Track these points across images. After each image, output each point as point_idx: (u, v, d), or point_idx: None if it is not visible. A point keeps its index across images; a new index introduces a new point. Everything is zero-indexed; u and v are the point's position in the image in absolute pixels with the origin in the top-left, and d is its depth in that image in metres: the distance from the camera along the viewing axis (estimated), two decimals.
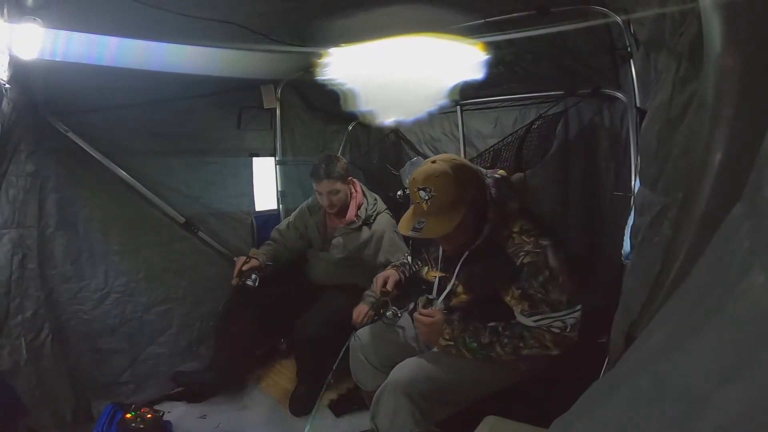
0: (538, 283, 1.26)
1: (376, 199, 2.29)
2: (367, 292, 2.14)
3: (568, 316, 1.26)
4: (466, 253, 1.39)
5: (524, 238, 1.32)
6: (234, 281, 2.09)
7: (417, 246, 1.74)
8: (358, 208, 2.20)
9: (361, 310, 2.07)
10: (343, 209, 2.19)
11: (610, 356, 1.09)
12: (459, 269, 1.41)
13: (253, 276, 2.09)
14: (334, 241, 2.23)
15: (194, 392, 2.15)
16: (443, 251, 1.51)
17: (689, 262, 0.63)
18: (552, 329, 1.27)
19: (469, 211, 1.29)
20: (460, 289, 1.44)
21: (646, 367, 0.48)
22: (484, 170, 1.42)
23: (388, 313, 1.61)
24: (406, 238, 2.18)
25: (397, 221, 2.56)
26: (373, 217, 2.20)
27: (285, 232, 2.39)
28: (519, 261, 1.29)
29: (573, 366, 1.33)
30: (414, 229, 1.30)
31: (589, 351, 1.32)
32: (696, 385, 0.33)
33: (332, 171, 2.10)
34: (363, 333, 1.73)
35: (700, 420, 0.30)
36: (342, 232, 2.21)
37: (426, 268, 1.64)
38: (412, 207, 1.39)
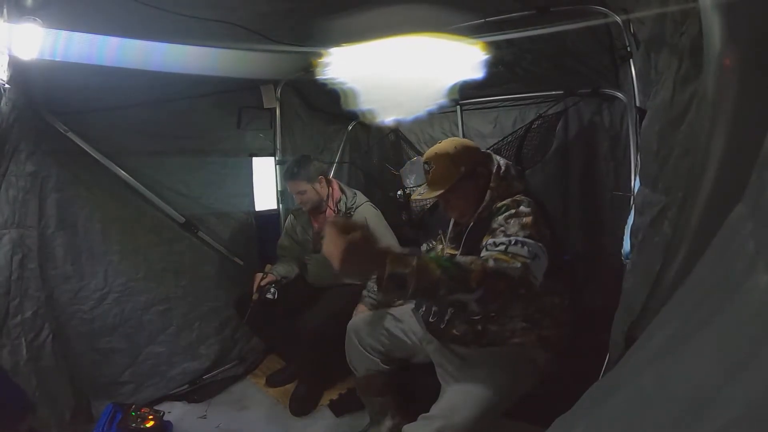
0: (502, 217, 1.31)
1: (355, 194, 2.35)
2: (365, 293, 2.15)
3: (521, 246, 1.17)
4: (471, 224, 1.46)
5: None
6: (254, 296, 2.16)
7: (434, 226, 1.83)
8: (337, 203, 2.27)
9: (359, 310, 2.08)
10: (319, 207, 2.27)
11: (611, 356, 1.09)
12: (464, 241, 1.46)
13: (272, 289, 2.17)
14: (323, 240, 2.26)
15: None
16: (452, 228, 1.61)
17: (689, 262, 0.63)
18: (504, 255, 1.15)
19: (469, 180, 1.45)
20: None
21: (647, 367, 0.48)
22: (499, 157, 1.54)
23: None
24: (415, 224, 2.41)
25: (398, 221, 2.60)
26: (353, 209, 2.26)
27: (283, 243, 2.46)
28: (494, 206, 1.38)
29: (573, 366, 1.33)
30: (419, 194, 1.56)
31: (589, 351, 1.32)
32: (698, 385, 0.33)
33: (296, 173, 2.20)
34: (359, 318, 1.82)
35: (701, 420, 0.30)
36: None
37: (440, 246, 1.69)
38: None
